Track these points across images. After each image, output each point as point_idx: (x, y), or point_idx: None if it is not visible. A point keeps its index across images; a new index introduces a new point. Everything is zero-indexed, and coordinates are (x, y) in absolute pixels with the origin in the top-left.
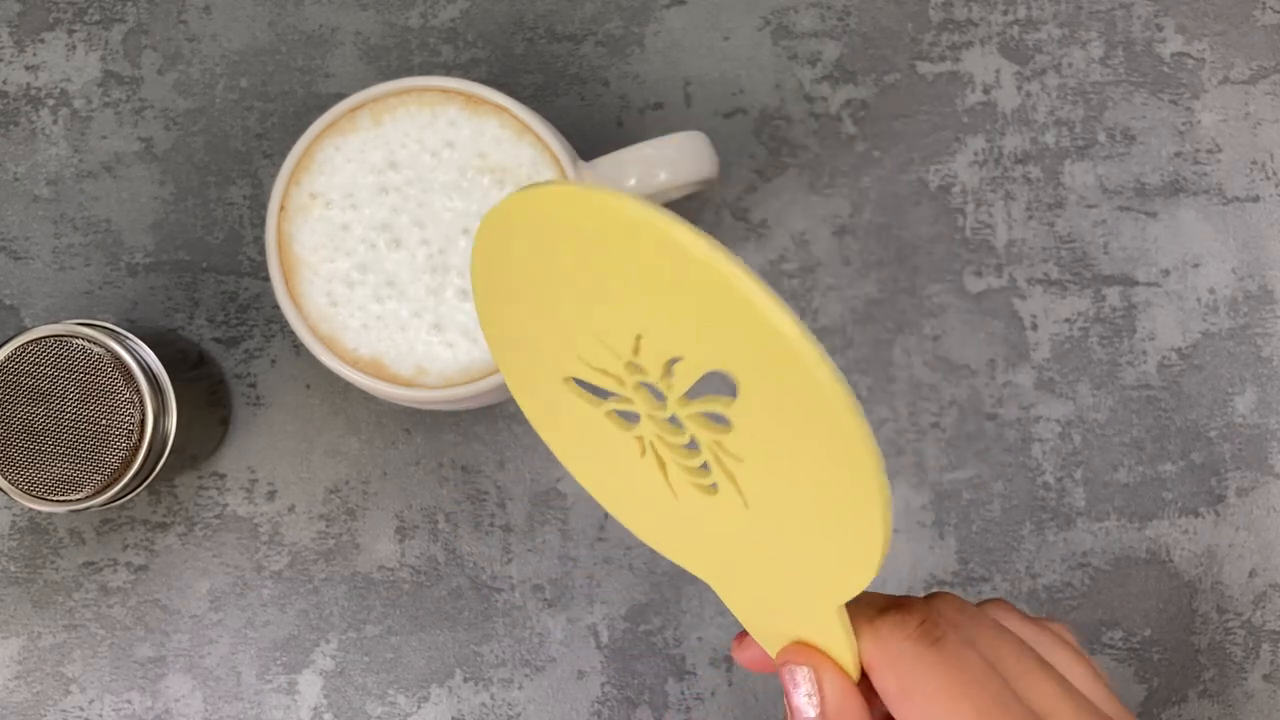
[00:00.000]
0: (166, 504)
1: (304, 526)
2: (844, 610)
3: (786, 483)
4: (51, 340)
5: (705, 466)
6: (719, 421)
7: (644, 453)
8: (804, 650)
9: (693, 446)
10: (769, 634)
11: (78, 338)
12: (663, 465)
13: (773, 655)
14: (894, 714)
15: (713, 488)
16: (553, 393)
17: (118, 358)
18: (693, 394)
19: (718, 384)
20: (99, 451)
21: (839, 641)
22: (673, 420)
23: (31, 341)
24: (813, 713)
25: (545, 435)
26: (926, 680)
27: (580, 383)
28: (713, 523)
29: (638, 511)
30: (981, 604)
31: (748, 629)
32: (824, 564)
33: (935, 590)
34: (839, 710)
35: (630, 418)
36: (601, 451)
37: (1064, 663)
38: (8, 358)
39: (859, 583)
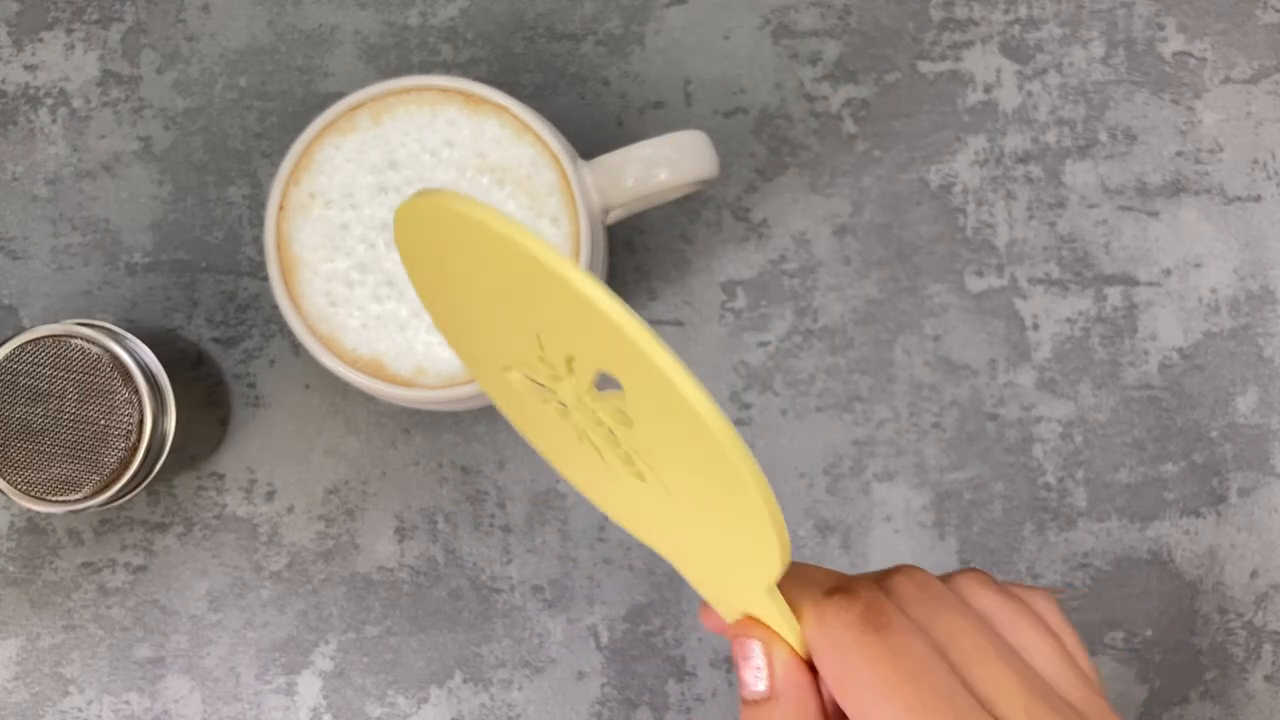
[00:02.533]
0: (165, 504)
1: (303, 527)
2: (776, 592)
3: (687, 479)
4: (50, 340)
5: (627, 459)
6: (620, 419)
7: (580, 440)
8: (754, 625)
9: (612, 441)
10: (725, 604)
11: (76, 338)
12: (598, 450)
13: (730, 623)
14: (835, 698)
15: (641, 475)
16: (499, 376)
17: (116, 358)
18: (601, 387)
19: (611, 383)
20: (97, 452)
21: (780, 620)
22: (587, 416)
23: (30, 341)
24: (762, 687)
25: (508, 413)
26: (863, 669)
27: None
28: (649, 503)
29: (592, 487)
30: (952, 576)
31: (705, 598)
32: (742, 552)
33: (902, 565)
34: (787, 686)
35: (559, 408)
36: (551, 431)
37: (1029, 644)
38: (6, 358)
39: (773, 573)
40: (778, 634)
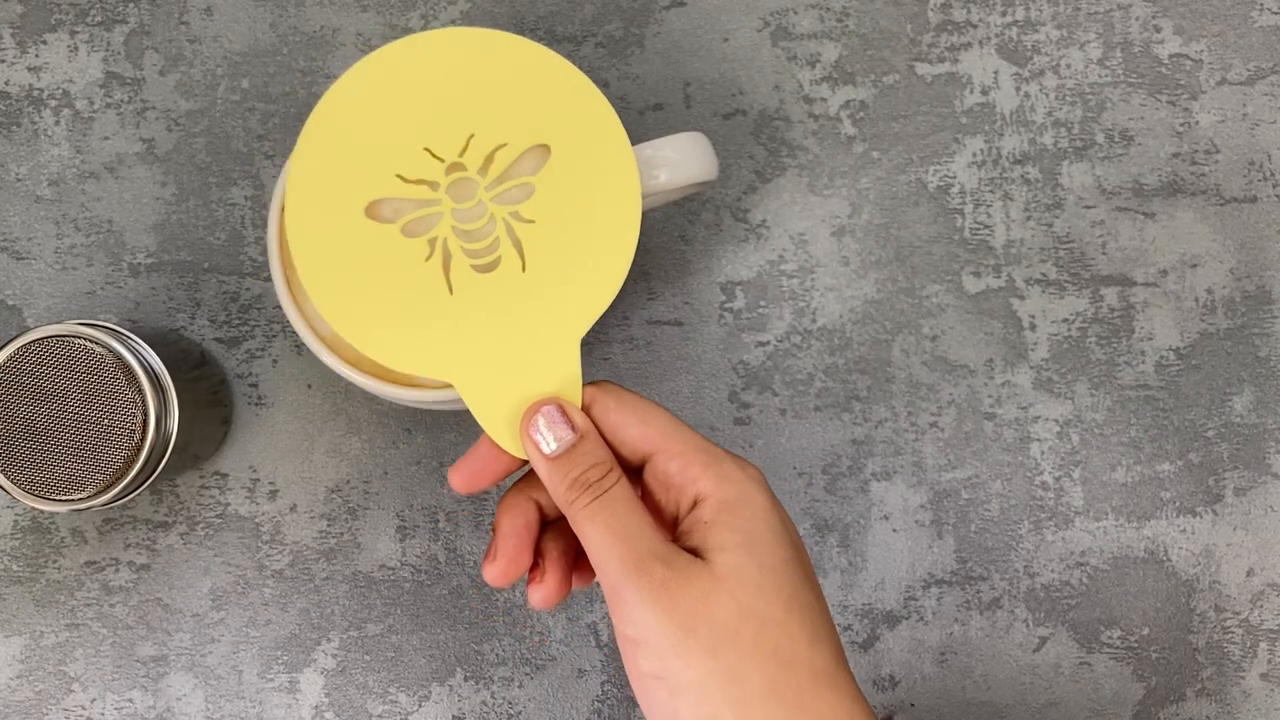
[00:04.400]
0: (168, 503)
1: (305, 526)
2: (579, 348)
3: (569, 220)
4: (54, 340)
5: (490, 249)
6: (521, 195)
7: (430, 256)
8: (546, 398)
9: (483, 233)
10: (504, 425)
11: (80, 338)
12: (445, 263)
13: (506, 445)
14: (611, 426)
15: (494, 264)
16: (347, 226)
17: (120, 358)
18: (503, 179)
19: (527, 166)
20: (101, 451)
21: (572, 380)
22: (474, 210)
23: (34, 341)
24: (569, 435)
25: (315, 280)
26: (635, 399)
27: (378, 212)
28: (483, 303)
29: (402, 328)
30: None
31: (486, 425)
32: (582, 291)
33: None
34: (587, 426)
35: (428, 223)
36: (379, 273)
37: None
38: (10, 358)
39: (607, 296)
40: (565, 398)
